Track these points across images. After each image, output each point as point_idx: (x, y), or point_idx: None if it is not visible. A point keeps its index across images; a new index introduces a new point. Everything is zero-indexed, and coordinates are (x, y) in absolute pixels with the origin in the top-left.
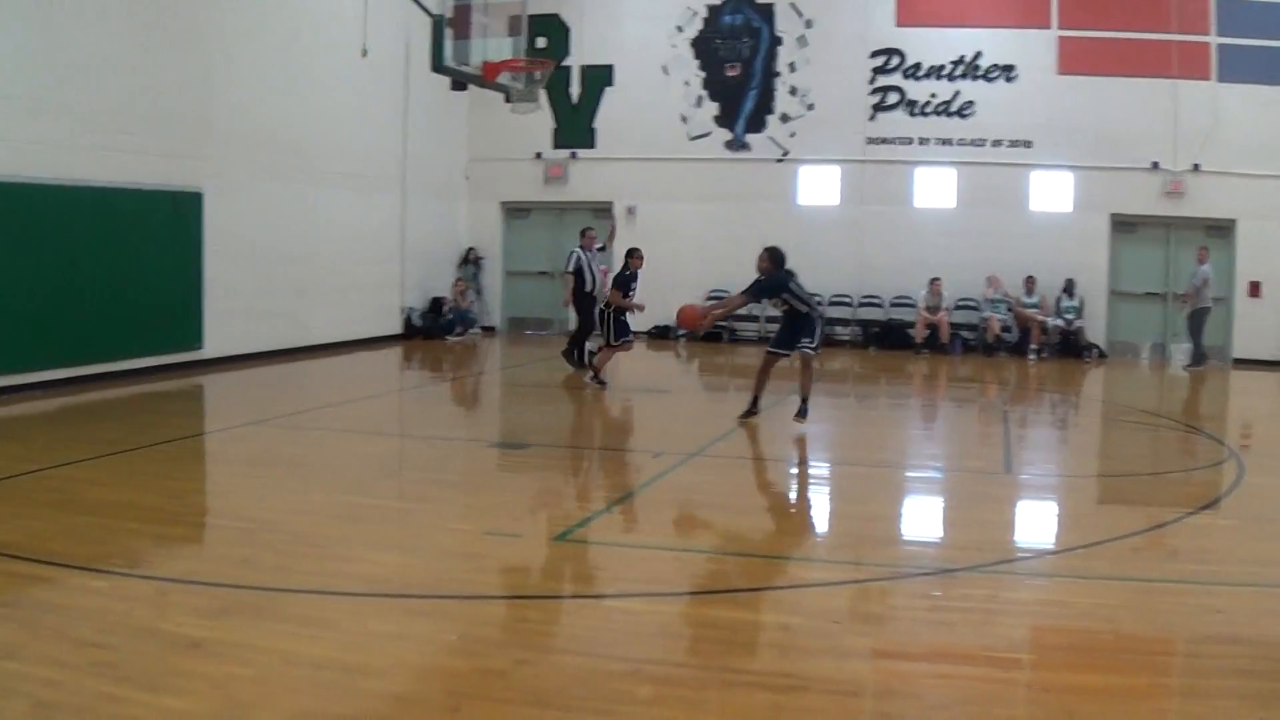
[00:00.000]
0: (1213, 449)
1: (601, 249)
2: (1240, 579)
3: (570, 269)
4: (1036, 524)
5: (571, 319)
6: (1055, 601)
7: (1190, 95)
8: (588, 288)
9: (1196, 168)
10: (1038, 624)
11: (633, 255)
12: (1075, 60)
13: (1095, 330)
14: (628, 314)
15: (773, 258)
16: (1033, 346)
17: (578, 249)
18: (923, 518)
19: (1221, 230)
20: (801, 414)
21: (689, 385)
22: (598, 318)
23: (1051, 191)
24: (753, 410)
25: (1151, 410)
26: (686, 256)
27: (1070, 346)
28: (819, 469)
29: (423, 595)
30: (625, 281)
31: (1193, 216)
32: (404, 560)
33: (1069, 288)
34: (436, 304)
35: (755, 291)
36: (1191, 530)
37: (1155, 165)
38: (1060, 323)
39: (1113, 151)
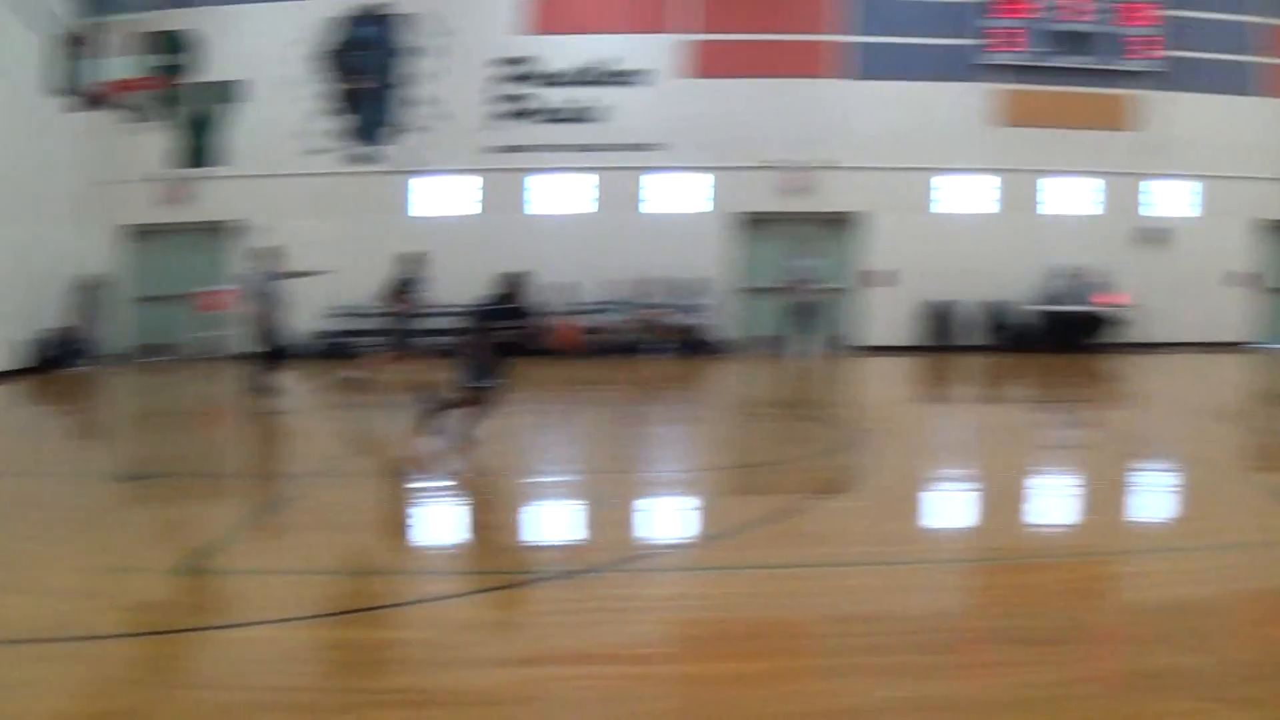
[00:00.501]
0: (840, 434)
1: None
2: (869, 558)
3: (252, 290)
4: (668, 519)
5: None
6: (689, 594)
7: (817, 93)
8: (266, 308)
9: (822, 164)
10: (672, 617)
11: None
12: (705, 63)
13: (726, 326)
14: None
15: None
16: (663, 345)
17: (265, 271)
18: (555, 521)
19: (846, 223)
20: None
21: (317, 405)
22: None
23: (683, 193)
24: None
25: (782, 401)
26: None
27: (700, 344)
28: (449, 481)
29: (46, 639)
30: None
31: (820, 211)
32: (22, 602)
33: (698, 286)
34: (57, 334)
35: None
36: (820, 514)
37: (781, 163)
38: (690, 321)
39: (742, 151)
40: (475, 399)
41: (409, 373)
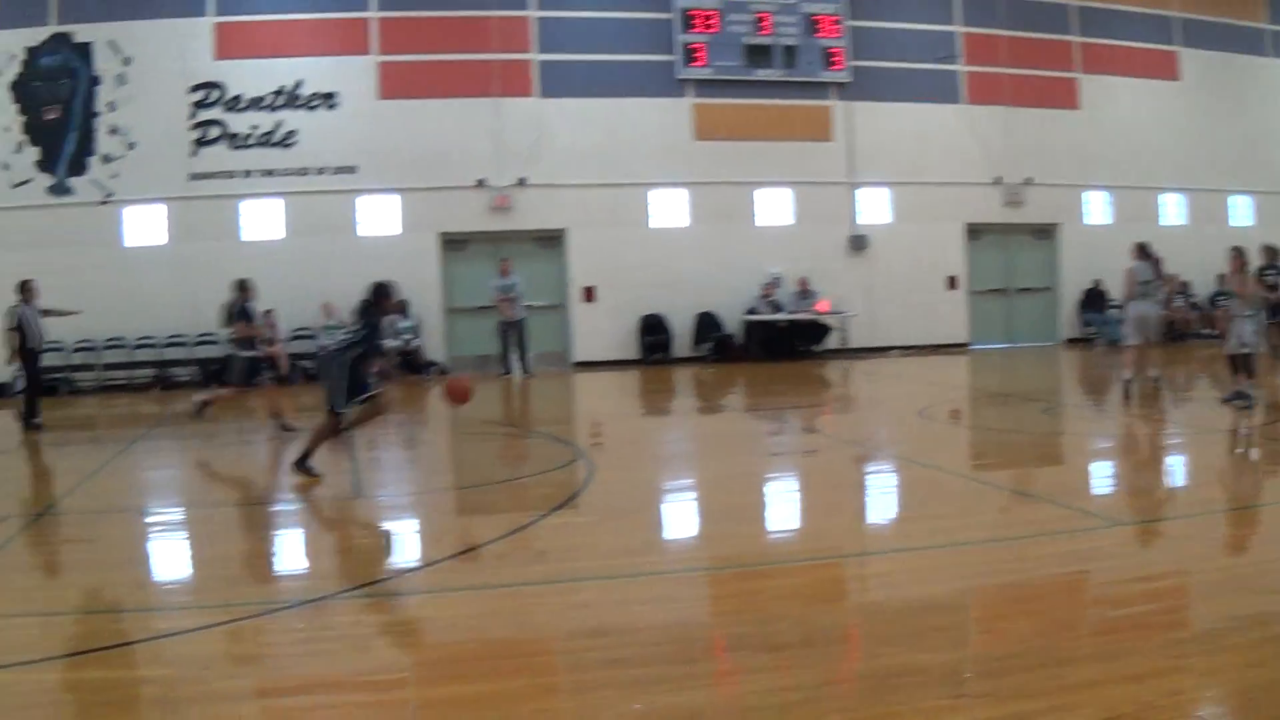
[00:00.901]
0: (562, 450)
1: (68, 313)
2: (601, 572)
3: (12, 326)
4: (398, 543)
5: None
6: (425, 618)
7: (514, 112)
8: (29, 344)
9: (523, 182)
10: (410, 641)
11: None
12: (396, 85)
13: (434, 348)
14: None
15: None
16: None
17: (19, 305)
18: (283, 551)
19: (552, 240)
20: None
21: (33, 441)
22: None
23: (380, 215)
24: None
25: (498, 420)
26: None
27: (411, 365)
28: (173, 514)
29: None
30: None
31: (523, 229)
32: None
33: (403, 308)
34: None
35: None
36: (551, 530)
37: (481, 182)
38: (398, 343)
39: (439, 172)
40: (335, 423)
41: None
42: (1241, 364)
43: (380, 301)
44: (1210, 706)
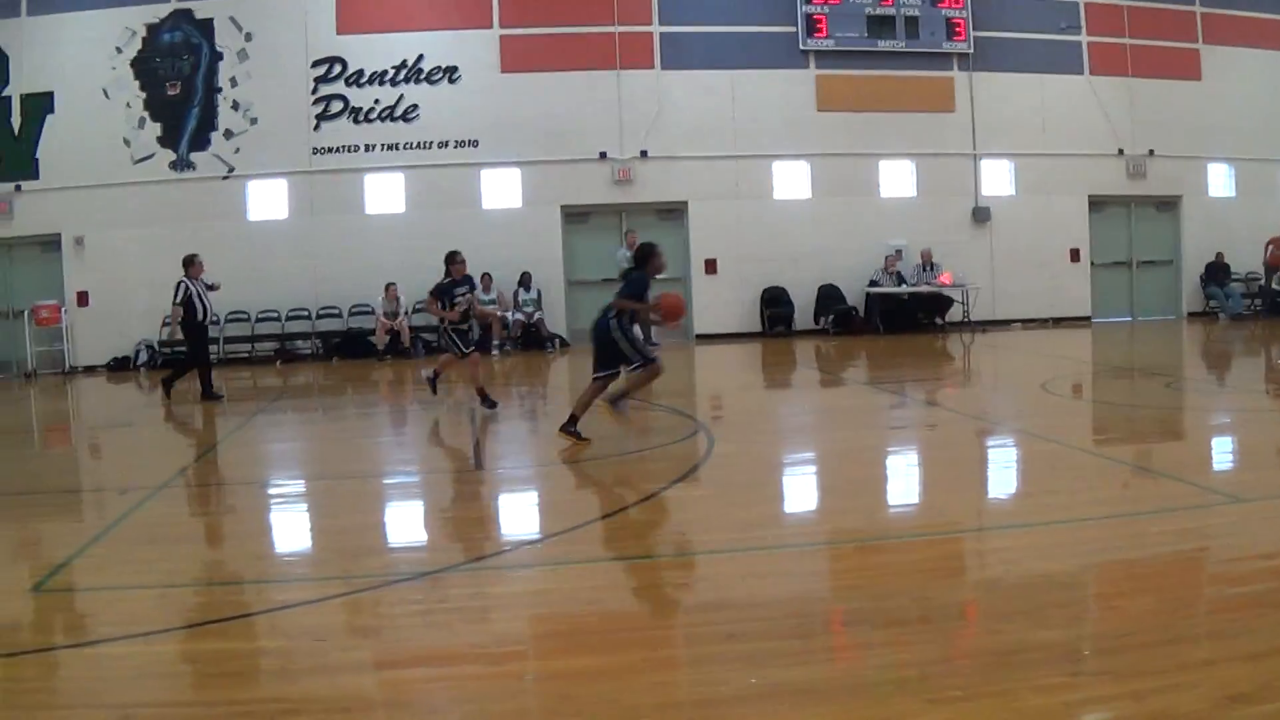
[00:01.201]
0: (683, 423)
1: (213, 287)
2: (720, 545)
3: (178, 300)
4: (516, 516)
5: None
6: (543, 590)
7: (635, 84)
8: (199, 317)
9: (644, 154)
10: (528, 614)
11: (454, 261)
12: (518, 58)
13: (555, 321)
14: (469, 326)
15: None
16: (495, 342)
17: (185, 279)
18: (402, 523)
19: (674, 213)
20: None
21: (152, 416)
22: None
23: (502, 188)
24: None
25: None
26: (134, 284)
27: (532, 339)
28: (293, 486)
29: None
30: (445, 290)
31: (644, 202)
32: None
33: (525, 281)
34: None
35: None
36: (671, 503)
37: (603, 155)
38: (520, 316)
39: (560, 145)
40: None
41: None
42: None
43: (651, 259)
44: None
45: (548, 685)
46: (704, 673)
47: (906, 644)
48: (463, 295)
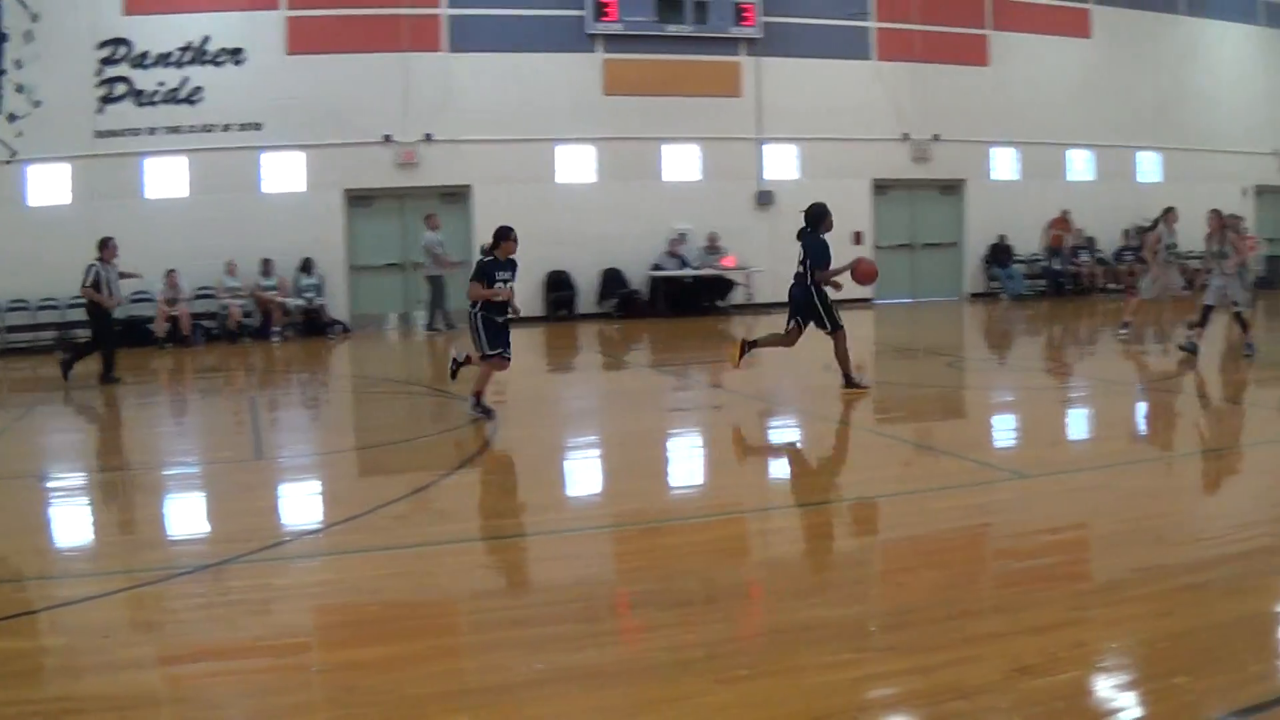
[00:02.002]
0: (464, 410)
1: (128, 275)
2: (504, 531)
3: (88, 283)
4: (298, 505)
5: None
6: (326, 580)
7: (421, 67)
8: (105, 304)
9: (429, 138)
10: (312, 605)
11: (507, 238)
12: (304, 40)
13: (337, 306)
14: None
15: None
16: (275, 329)
17: (96, 263)
18: (184, 515)
19: (458, 196)
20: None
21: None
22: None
23: (284, 172)
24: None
25: (401, 379)
26: None
27: (314, 325)
28: (71, 480)
29: None
30: (488, 270)
31: (428, 185)
32: None
33: (307, 266)
34: None
35: None
36: (453, 489)
37: (388, 138)
38: (301, 302)
39: (344, 128)
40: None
41: None
42: (1235, 320)
43: (824, 218)
44: (1114, 657)
45: (333, 677)
46: (490, 659)
47: (693, 624)
48: (504, 280)
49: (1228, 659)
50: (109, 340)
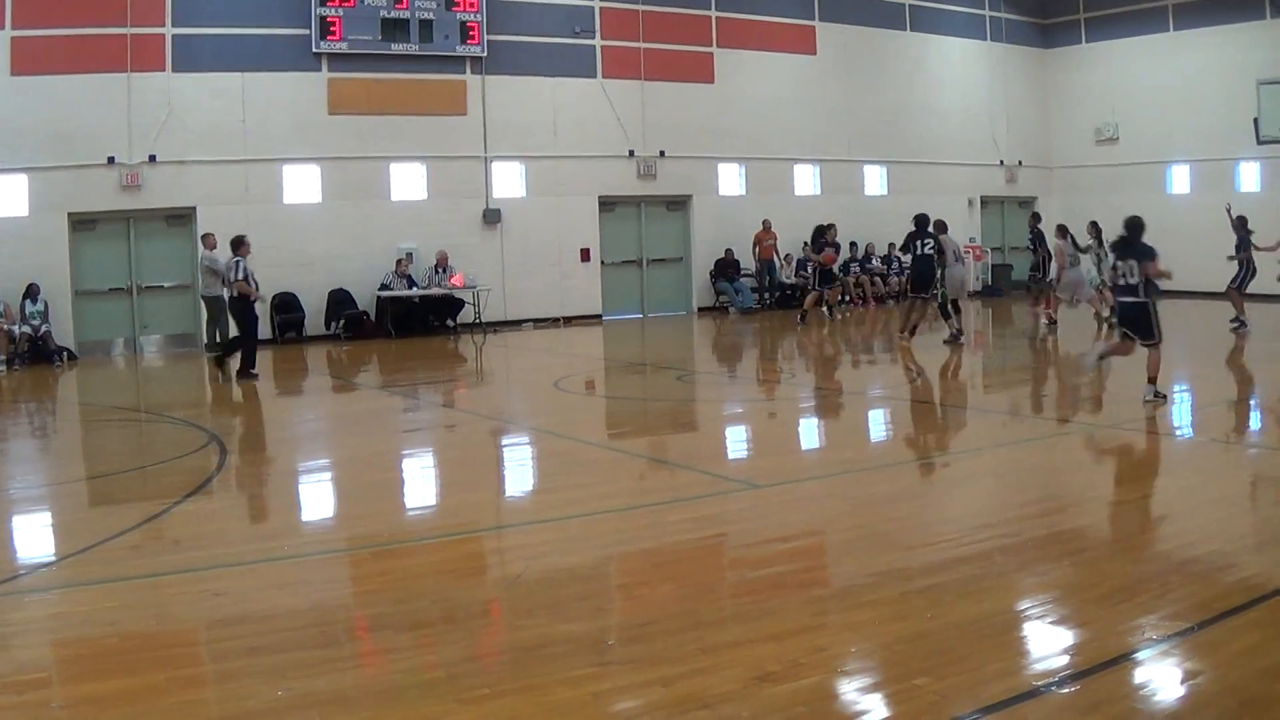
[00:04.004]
0: (194, 435)
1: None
2: (237, 558)
3: (239, 277)
4: (30, 538)
5: None
6: (62, 614)
7: (146, 87)
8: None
9: (153, 159)
10: (49, 639)
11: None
12: (28, 60)
13: (63, 333)
14: None
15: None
16: (1, 358)
17: (238, 258)
18: None
19: (182, 219)
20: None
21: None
22: None
23: (6, 195)
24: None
25: (130, 406)
26: None
27: (40, 352)
28: None
29: None
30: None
31: (152, 208)
32: None
33: (32, 293)
34: None
35: None
36: (185, 518)
37: (111, 160)
38: (27, 330)
39: (68, 150)
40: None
41: None
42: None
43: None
44: (854, 661)
45: (75, 712)
46: (230, 688)
47: (432, 646)
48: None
49: (966, 658)
50: (254, 333)
